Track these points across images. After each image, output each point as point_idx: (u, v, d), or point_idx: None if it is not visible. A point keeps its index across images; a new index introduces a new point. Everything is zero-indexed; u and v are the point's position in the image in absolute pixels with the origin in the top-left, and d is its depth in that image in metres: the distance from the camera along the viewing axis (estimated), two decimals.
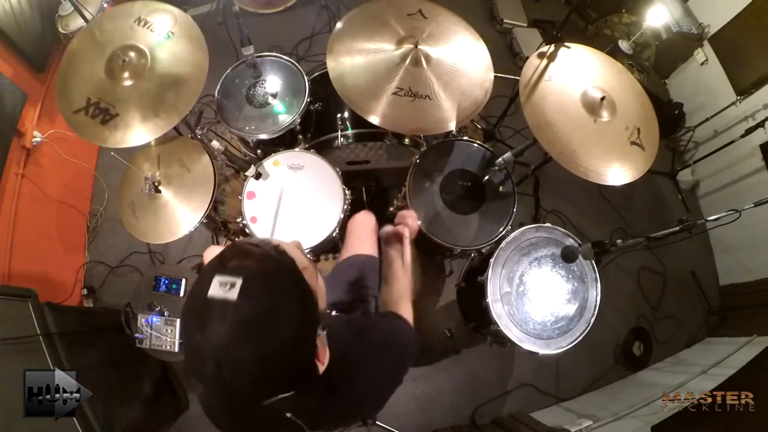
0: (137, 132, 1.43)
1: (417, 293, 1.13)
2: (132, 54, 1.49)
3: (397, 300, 1.04)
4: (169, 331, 1.61)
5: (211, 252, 1.35)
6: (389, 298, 1.07)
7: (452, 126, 1.53)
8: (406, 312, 0.99)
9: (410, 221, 1.17)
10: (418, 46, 1.56)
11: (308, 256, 0.73)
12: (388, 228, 1.19)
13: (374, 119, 1.46)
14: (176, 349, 1.61)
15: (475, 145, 1.79)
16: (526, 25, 3.10)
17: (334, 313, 1.11)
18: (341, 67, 1.53)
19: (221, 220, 2.09)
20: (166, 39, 1.50)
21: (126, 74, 1.48)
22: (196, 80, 1.45)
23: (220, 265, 0.59)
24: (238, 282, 0.56)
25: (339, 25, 1.62)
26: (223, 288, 0.56)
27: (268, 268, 0.60)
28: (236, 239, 0.62)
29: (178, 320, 1.62)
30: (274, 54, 1.86)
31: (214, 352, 0.55)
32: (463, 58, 1.62)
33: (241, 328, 0.55)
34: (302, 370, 0.62)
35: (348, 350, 0.76)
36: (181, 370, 2.08)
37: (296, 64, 1.83)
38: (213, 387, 0.59)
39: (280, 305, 0.58)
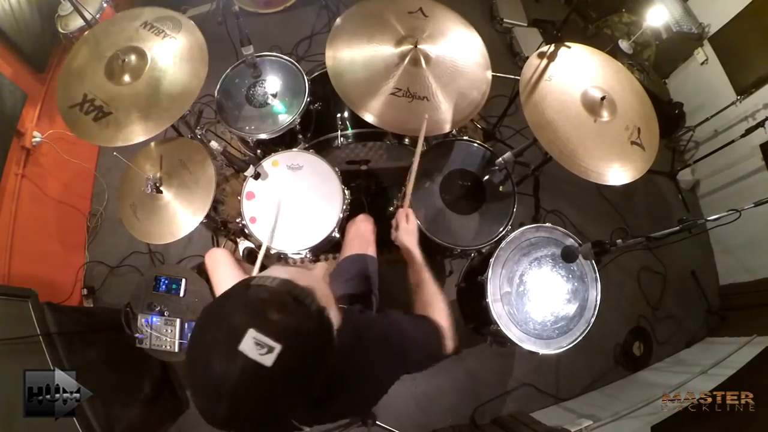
0: (126, 132, 1.42)
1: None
2: (133, 56, 1.49)
3: (426, 304, 1.04)
4: (169, 331, 1.61)
5: (215, 256, 1.34)
6: (420, 304, 1.07)
7: (450, 127, 1.52)
8: (439, 314, 0.99)
9: (402, 223, 1.18)
10: (418, 46, 1.56)
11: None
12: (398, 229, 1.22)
13: (371, 119, 1.46)
14: (176, 349, 1.61)
15: (475, 144, 1.78)
16: (526, 24, 3.10)
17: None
18: (340, 65, 1.53)
19: (221, 220, 2.09)
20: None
21: (125, 75, 1.48)
22: (193, 87, 1.45)
23: (259, 313, 0.56)
24: (277, 349, 0.54)
25: (338, 21, 1.62)
26: (259, 349, 0.53)
27: (309, 336, 0.59)
28: (272, 267, 0.62)
29: (178, 320, 1.62)
30: (274, 54, 1.86)
31: (231, 399, 0.54)
32: (462, 59, 1.62)
33: (268, 389, 0.55)
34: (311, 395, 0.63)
35: (346, 350, 0.76)
36: (181, 371, 2.08)
37: (296, 64, 1.83)
38: (222, 422, 0.58)
39: (311, 367, 0.59)
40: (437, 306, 1.02)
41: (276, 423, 0.61)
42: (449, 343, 0.95)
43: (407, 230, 1.23)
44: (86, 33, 1.60)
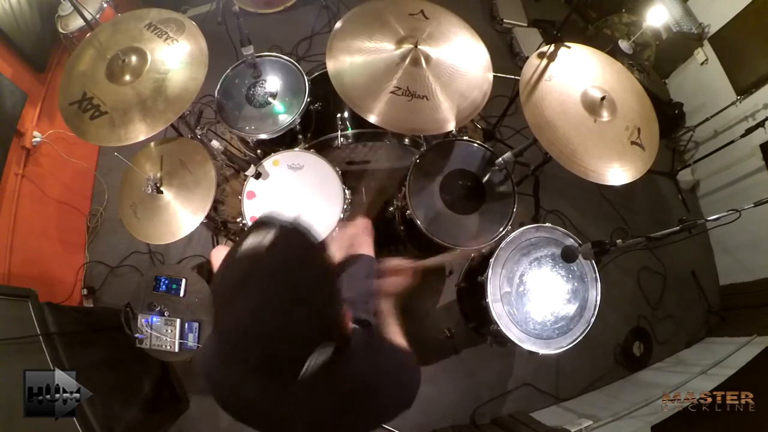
0: (122, 132, 1.42)
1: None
2: (133, 56, 1.49)
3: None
4: (169, 331, 1.61)
5: (219, 252, 1.34)
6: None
7: (450, 127, 1.52)
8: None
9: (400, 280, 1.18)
10: (418, 46, 1.56)
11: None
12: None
13: (372, 118, 1.46)
14: (176, 349, 1.61)
15: (475, 145, 1.78)
16: (526, 24, 3.10)
17: None
18: (340, 65, 1.53)
19: (221, 220, 2.09)
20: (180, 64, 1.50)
21: (125, 75, 1.48)
22: (191, 90, 1.44)
23: (251, 228, 0.64)
24: (271, 231, 0.61)
25: (339, 23, 1.62)
26: (257, 236, 0.60)
27: (294, 226, 0.65)
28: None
29: (178, 320, 1.62)
30: (274, 54, 1.86)
31: (257, 302, 0.58)
32: (462, 60, 1.62)
33: (278, 269, 0.60)
34: (335, 323, 0.66)
35: (359, 367, 0.76)
36: (181, 371, 2.08)
37: (296, 64, 1.83)
38: (257, 338, 0.59)
39: (309, 253, 0.64)
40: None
41: (311, 324, 0.62)
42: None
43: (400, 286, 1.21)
44: (91, 32, 1.60)
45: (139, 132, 1.41)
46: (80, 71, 1.51)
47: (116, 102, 1.44)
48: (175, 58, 1.49)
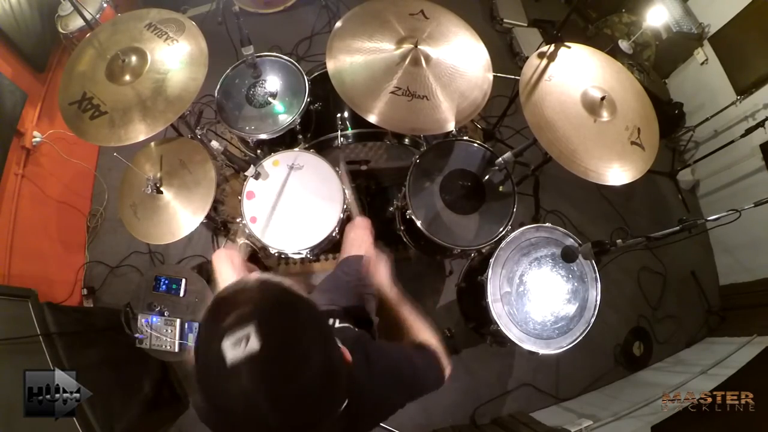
0: (120, 132, 1.42)
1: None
2: (133, 57, 1.49)
3: (411, 327, 1.04)
4: (169, 331, 1.61)
5: (220, 258, 1.33)
6: (405, 331, 1.06)
7: (450, 127, 1.52)
8: (428, 338, 0.99)
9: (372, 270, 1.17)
10: (418, 46, 1.56)
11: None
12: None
13: (371, 118, 1.46)
14: (176, 349, 1.61)
15: (475, 144, 1.78)
16: (526, 24, 3.10)
17: (338, 323, 1.10)
18: (340, 65, 1.53)
19: (221, 220, 2.10)
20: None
21: (125, 75, 1.47)
22: (189, 91, 1.44)
23: (219, 329, 0.53)
24: (251, 329, 0.51)
25: (339, 23, 1.62)
26: (238, 347, 0.50)
27: (269, 300, 0.57)
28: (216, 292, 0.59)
29: (178, 320, 1.62)
30: (274, 54, 1.86)
31: (271, 405, 0.51)
32: (463, 60, 1.62)
33: (283, 367, 0.52)
34: (344, 372, 0.62)
35: (356, 372, 0.74)
36: (181, 371, 2.08)
37: (296, 64, 1.83)
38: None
39: (300, 326, 0.56)
40: (424, 332, 1.02)
41: (329, 387, 0.57)
42: (447, 370, 0.96)
43: (377, 272, 1.20)
44: (91, 32, 1.60)
45: (139, 132, 1.40)
46: (80, 71, 1.51)
47: (116, 102, 1.44)
48: (175, 58, 1.49)
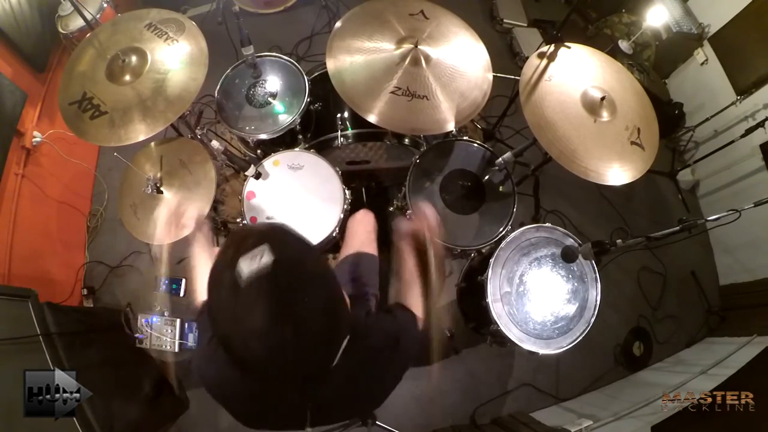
0: (120, 132, 1.42)
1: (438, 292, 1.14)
2: (133, 57, 1.49)
3: (405, 293, 1.05)
4: (169, 331, 1.61)
5: (200, 257, 1.30)
6: (399, 292, 1.08)
7: (449, 127, 1.52)
8: (415, 305, 1.00)
9: (430, 218, 1.13)
10: (418, 46, 1.56)
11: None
12: (405, 226, 1.16)
13: (371, 117, 1.46)
14: (176, 349, 1.61)
15: (475, 145, 1.79)
16: (526, 25, 3.10)
17: None
18: (340, 64, 1.53)
19: (221, 220, 2.09)
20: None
21: (125, 76, 1.48)
22: (190, 91, 1.44)
23: (233, 254, 0.58)
24: (265, 247, 0.56)
25: (339, 23, 1.62)
26: (254, 261, 0.55)
27: (278, 228, 0.64)
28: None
29: (178, 320, 1.62)
30: (274, 54, 1.86)
31: (283, 316, 0.56)
32: (463, 60, 1.62)
33: (296, 279, 0.57)
34: (347, 310, 0.67)
35: (355, 350, 0.75)
36: (180, 371, 2.08)
37: (296, 64, 1.83)
38: (293, 351, 0.58)
39: (306, 251, 0.63)
40: (417, 297, 1.05)
41: (336, 324, 0.63)
42: (420, 322, 0.98)
43: (429, 227, 1.15)
44: (91, 32, 1.60)
45: (139, 132, 1.40)
46: (80, 71, 1.51)
47: (116, 102, 1.44)
48: (175, 58, 1.49)
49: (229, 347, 0.60)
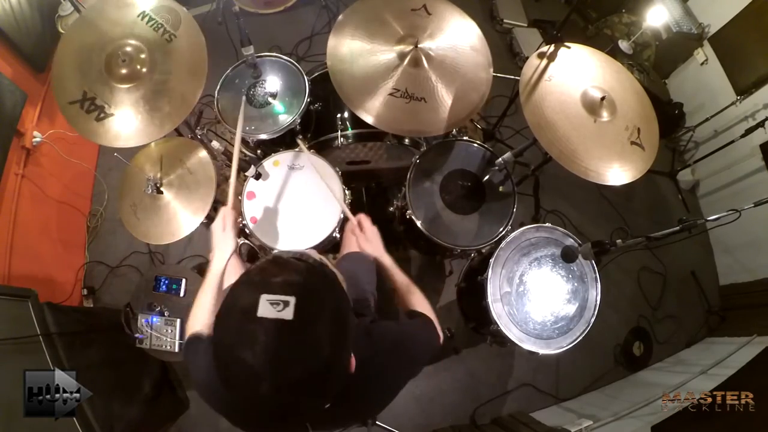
0: (131, 135, 1.42)
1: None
2: (132, 55, 1.48)
3: (408, 300, 1.06)
4: (169, 331, 1.61)
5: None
6: (402, 300, 1.09)
7: (446, 129, 1.52)
8: (423, 307, 1.01)
9: (357, 233, 1.23)
10: (419, 46, 1.56)
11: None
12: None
13: (369, 119, 1.46)
14: (176, 349, 1.61)
15: (475, 145, 1.78)
16: (526, 25, 3.10)
17: None
18: (340, 64, 1.53)
19: None
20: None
21: (124, 73, 1.46)
22: (193, 90, 1.44)
23: (263, 282, 0.57)
24: (292, 301, 0.55)
25: (340, 18, 1.61)
26: (275, 307, 0.54)
27: (317, 283, 0.60)
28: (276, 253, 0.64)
29: (178, 320, 1.62)
30: (274, 54, 1.86)
31: (272, 372, 0.54)
32: (464, 60, 1.61)
33: (299, 347, 0.55)
34: (343, 380, 0.63)
35: (361, 357, 0.75)
36: (181, 371, 2.08)
37: (296, 64, 1.83)
38: (261, 402, 0.57)
39: (332, 320, 0.58)
40: (419, 301, 1.06)
41: (322, 384, 0.59)
42: (440, 333, 0.99)
43: (365, 239, 1.24)
44: (78, 17, 1.53)
45: (146, 134, 1.41)
46: (74, 67, 1.47)
47: (121, 104, 1.43)
48: (176, 58, 1.48)
49: (216, 354, 0.59)
